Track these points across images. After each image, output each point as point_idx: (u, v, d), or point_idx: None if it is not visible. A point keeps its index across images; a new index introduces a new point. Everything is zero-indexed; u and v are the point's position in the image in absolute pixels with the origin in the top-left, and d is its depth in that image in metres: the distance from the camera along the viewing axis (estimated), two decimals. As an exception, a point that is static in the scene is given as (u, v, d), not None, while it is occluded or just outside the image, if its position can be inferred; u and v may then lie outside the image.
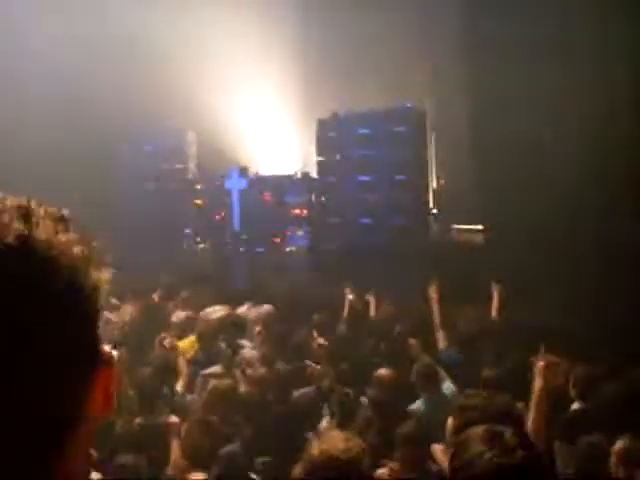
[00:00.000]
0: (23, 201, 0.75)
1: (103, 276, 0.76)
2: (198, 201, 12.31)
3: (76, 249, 0.73)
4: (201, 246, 12.20)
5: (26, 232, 0.71)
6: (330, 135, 10.98)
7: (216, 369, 5.12)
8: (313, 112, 11.20)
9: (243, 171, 11.81)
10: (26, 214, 0.73)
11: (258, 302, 7.67)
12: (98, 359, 0.75)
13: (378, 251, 9.80)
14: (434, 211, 10.80)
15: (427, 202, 10.63)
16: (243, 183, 11.75)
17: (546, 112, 7.75)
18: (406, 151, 10.41)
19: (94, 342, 0.75)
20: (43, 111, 11.05)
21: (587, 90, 7.32)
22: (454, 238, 10.45)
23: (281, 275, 10.35)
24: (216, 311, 6.46)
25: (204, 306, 6.94)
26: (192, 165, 12.55)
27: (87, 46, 11.06)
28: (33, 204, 0.75)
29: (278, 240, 11.36)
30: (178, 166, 12.50)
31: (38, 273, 0.70)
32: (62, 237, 0.73)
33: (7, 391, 0.68)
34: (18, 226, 0.71)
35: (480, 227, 9.68)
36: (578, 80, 7.43)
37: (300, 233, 11.31)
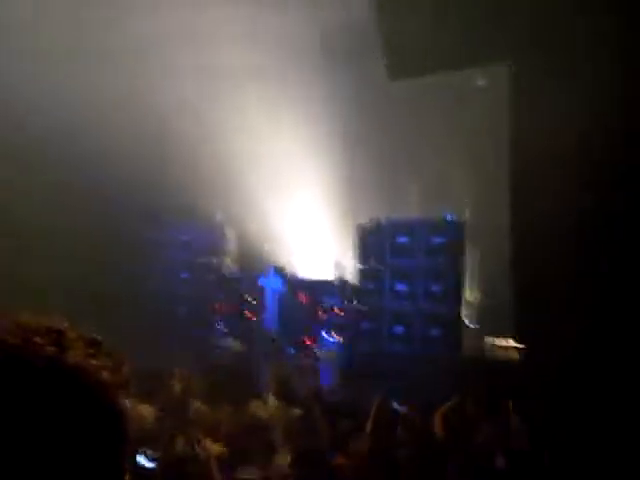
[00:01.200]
0: (57, 322, 0.76)
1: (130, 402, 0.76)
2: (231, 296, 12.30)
3: (105, 374, 0.73)
4: (230, 341, 12.08)
5: (57, 355, 0.71)
6: (369, 241, 11.02)
7: (249, 472, 4.93)
8: (353, 217, 11.31)
9: (279, 270, 11.85)
10: (58, 336, 0.73)
11: (284, 404, 7.48)
12: None
13: (410, 361, 9.61)
14: (469, 324, 10.63)
15: (462, 314, 10.48)
16: (278, 282, 11.76)
17: (588, 224, 7.55)
18: (443, 262, 10.37)
19: (118, 474, 0.73)
20: (75, 197, 10.98)
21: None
22: (488, 353, 10.22)
23: (310, 378, 10.14)
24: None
25: (228, 403, 6.79)
26: (228, 260, 12.64)
27: (124, 129, 10.78)
28: (66, 326, 0.76)
29: (309, 342, 11.23)
30: (214, 260, 12.61)
31: (66, 398, 0.70)
32: (92, 361, 0.74)
33: None
34: (50, 349, 0.71)
35: (516, 344, 9.45)
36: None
37: (332, 336, 11.17)
